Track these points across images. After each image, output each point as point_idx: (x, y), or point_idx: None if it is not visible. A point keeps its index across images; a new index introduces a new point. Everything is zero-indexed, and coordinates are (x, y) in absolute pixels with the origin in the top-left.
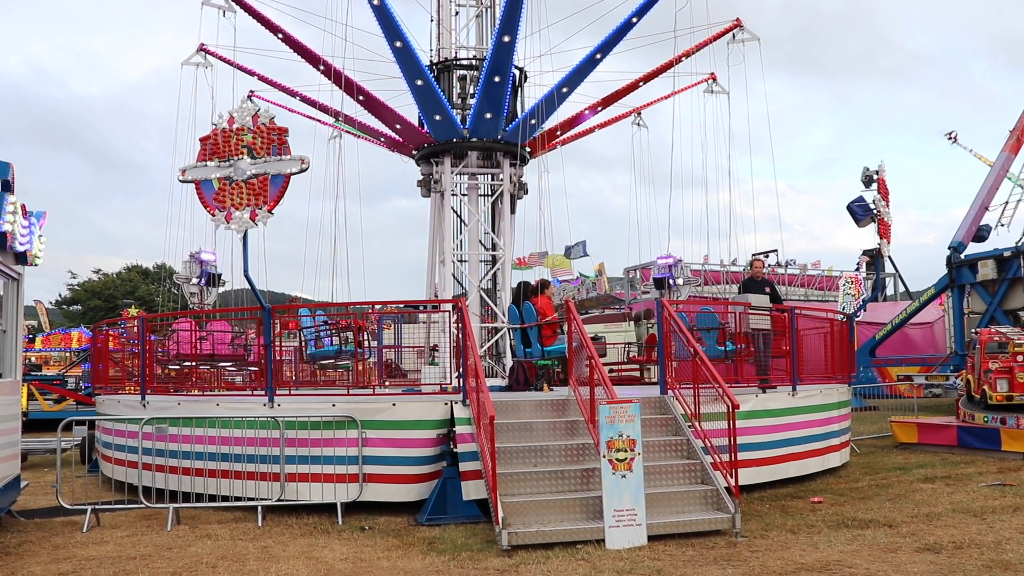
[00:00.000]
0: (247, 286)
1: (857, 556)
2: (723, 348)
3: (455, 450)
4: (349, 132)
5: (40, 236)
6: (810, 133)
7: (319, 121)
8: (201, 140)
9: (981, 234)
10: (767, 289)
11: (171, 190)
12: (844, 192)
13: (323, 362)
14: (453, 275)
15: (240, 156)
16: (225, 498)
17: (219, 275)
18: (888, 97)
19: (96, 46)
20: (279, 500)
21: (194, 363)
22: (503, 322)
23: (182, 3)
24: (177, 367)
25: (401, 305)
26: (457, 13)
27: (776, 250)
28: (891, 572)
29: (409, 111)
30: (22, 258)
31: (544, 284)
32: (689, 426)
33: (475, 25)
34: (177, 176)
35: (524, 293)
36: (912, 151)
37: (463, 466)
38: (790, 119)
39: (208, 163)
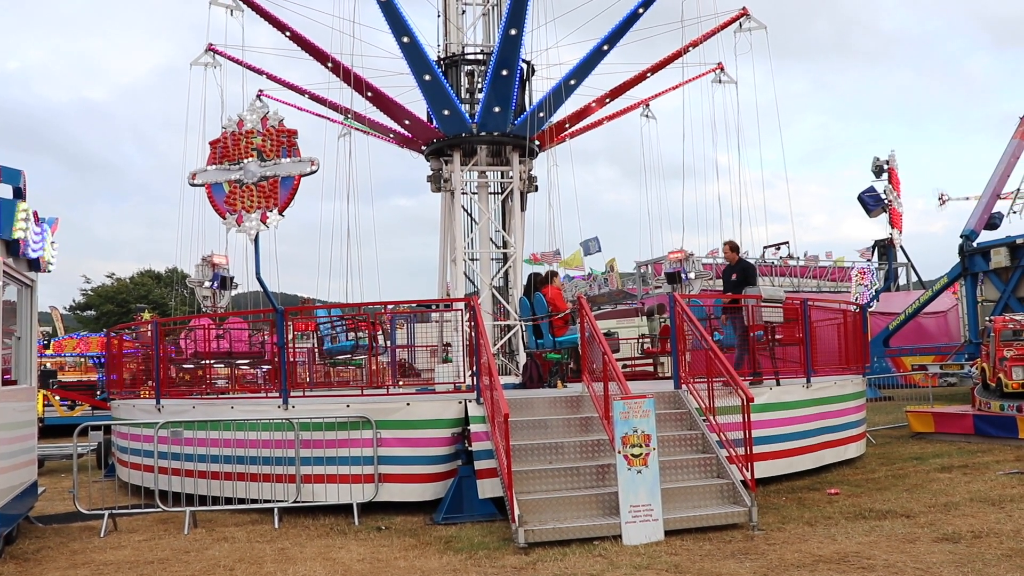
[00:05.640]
0: (259, 288)
1: (875, 547)
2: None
3: (470, 449)
4: (358, 129)
5: (52, 242)
6: (799, 122)
7: (328, 119)
8: (211, 143)
9: (993, 222)
10: (734, 276)
11: (182, 193)
12: (842, 182)
13: (339, 357)
14: (465, 273)
15: (250, 159)
16: (241, 500)
17: (231, 278)
18: (871, 81)
19: (63, 51)
20: (295, 502)
21: (211, 361)
22: (515, 320)
23: (161, 9)
24: (193, 366)
25: (414, 305)
26: (464, 12)
27: (787, 242)
28: (910, 563)
29: (418, 107)
30: (35, 264)
31: (553, 274)
32: (704, 420)
33: (482, 24)
34: (187, 180)
35: (534, 284)
36: (906, 138)
37: (478, 464)
38: (775, 109)
39: (218, 166)
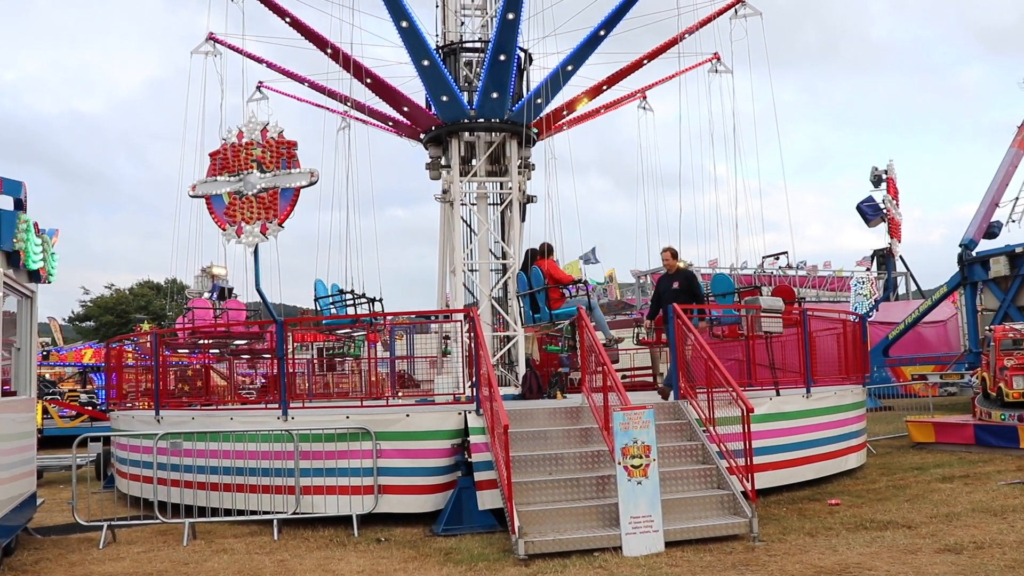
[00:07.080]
0: (259, 300)
1: (877, 558)
2: (739, 313)
3: (470, 460)
4: (357, 118)
5: (53, 254)
6: (792, 132)
7: (328, 109)
8: (211, 155)
9: (992, 231)
10: (675, 284)
11: (178, 202)
12: (839, 192)
13: (340, 331)
14: (464, 284)
15: (250, 170)
16: (241, 512)
17: (231, 289)
18: (863, 91)
19: (59, 63)
20: (294, 513)
21: (209, 339)
22: (515, 331)
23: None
24: (190, 351)
25: (413, 316)
26: (463, 23)
27: (787, 252)
28: (912, 574)
29: (417, 99)
30: (35, 276)
31: (550, 247)
32: (704, 430)
33: (481, 33)
34: (187, 191)
35: (531, 258)
36: (900, 147)
37: (478, 476)
38: (770, 116)
39: (218, 178)
